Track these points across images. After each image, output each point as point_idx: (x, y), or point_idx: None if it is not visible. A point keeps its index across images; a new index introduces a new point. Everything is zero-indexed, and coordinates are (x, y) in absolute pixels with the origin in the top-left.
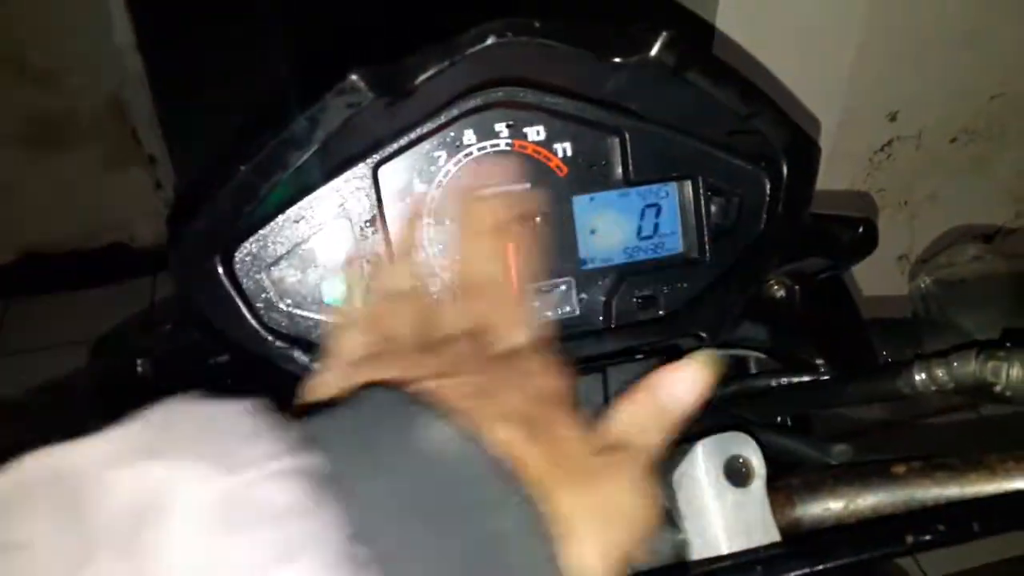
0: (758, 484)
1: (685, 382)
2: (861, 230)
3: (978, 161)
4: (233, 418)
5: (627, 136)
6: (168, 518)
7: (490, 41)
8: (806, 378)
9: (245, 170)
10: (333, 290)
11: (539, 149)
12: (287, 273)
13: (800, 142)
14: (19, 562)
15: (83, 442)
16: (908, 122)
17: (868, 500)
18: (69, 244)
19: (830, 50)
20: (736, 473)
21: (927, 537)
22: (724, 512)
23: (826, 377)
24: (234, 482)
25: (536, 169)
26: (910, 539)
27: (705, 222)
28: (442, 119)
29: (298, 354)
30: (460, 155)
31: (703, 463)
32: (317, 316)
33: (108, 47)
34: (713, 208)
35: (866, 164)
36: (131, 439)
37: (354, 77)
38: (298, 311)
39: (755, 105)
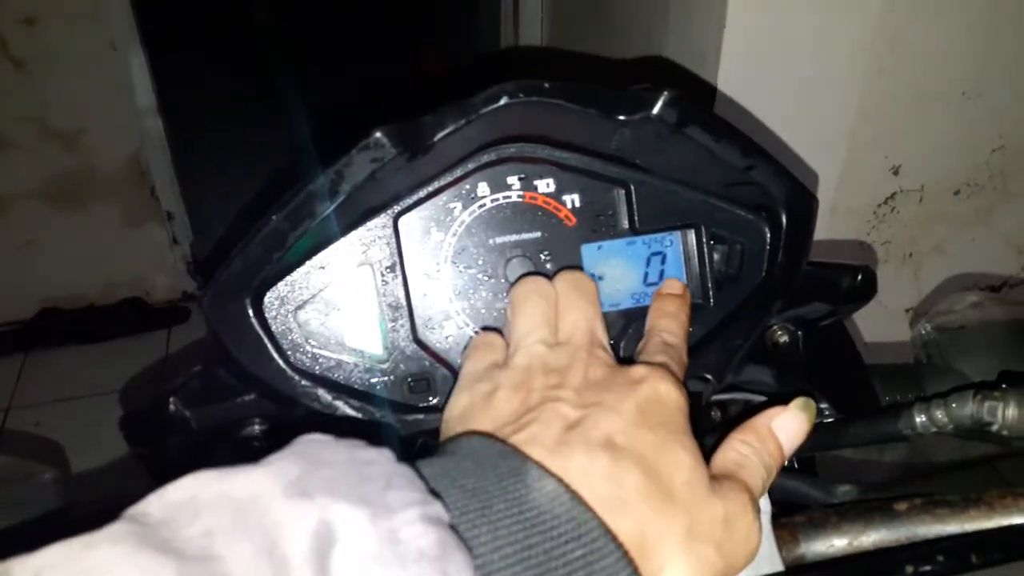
0: (764, 520)
1: (791, 424)
2: (860, 277)
3: (981, 213)
4: (375, 465)
5: (632, 188)
6: (346, 550)
7: (503, 101)
8: None
9: (276, 219)
10: (355, 332)
11: (549, 200)
12: (312, 316)
13: (797, 193)
14: (218, 571)
15: (242, 471)
16: (911, 175)
17: (871, 537)
18: (87, 298)
19: (830, 107)
20: None
21: (927, 567)
22: None
23: (830, 419)
24: (390, 524)
25: (546, 219)
26: (910, 569)
27: (708, 269)
28: (458, 173)
29: (322, 392)
30: (474, 206)
31: None
32: (340, 357)
33: (130, 109)
34: (716, 256)
35: (871, 217)
36: (290, 473)
37: (378, 134)
38: (322, 352)
39: (752, 158)
